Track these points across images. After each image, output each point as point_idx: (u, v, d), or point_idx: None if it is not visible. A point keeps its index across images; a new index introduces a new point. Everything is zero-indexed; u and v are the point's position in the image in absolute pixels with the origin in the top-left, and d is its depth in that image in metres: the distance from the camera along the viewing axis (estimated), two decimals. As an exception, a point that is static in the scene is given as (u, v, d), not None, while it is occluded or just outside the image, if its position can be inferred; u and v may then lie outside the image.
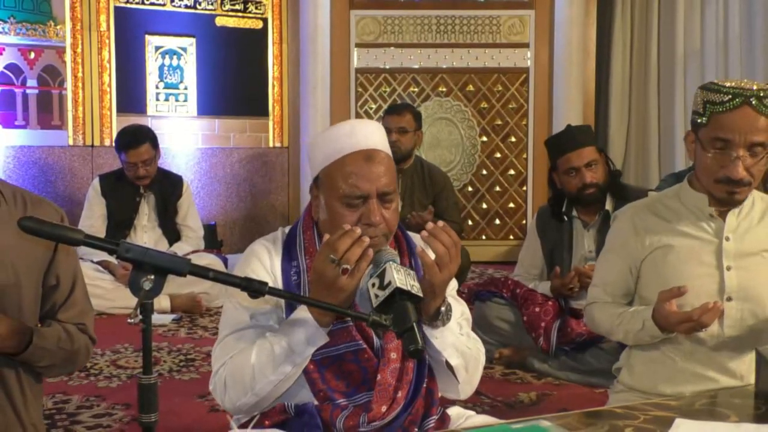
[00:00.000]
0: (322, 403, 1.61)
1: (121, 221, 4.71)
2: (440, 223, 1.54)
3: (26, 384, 1.71)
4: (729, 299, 1.95)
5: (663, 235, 2.02)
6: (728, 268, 1.96)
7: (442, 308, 1.57)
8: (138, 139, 4.57)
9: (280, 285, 1.65)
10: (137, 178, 4.64)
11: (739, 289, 1.95)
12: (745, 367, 1.94)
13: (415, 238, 1.72)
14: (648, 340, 2.00)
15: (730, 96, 1.85)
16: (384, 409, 1.58)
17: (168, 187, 4.84)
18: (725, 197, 1.94)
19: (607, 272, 2.14)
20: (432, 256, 1.52)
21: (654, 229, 2.03)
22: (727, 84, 1.89)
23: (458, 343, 1.63)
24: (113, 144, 4.86)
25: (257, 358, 1.56)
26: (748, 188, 1.93)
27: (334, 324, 1.57)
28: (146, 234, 4.77)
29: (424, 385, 1.65)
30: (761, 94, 1.84)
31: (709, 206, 1.98)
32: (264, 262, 1.68)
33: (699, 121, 1.92)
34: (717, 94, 1.87)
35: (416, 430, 1.64)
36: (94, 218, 4.72)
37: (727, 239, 1.97)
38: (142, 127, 4.80)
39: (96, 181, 4.81)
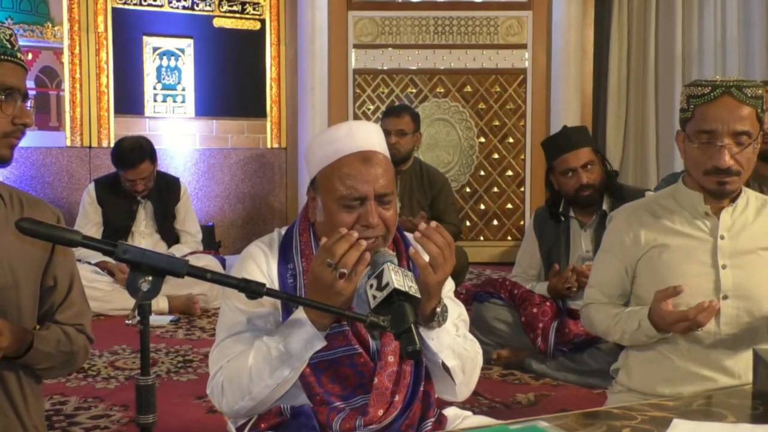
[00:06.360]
0: (319, 406, 1.60)
1: (118, 228, 4.64)
2: (433, 223, 1.53)
3: (26, 385, 1.71)
4: (725, 297, 1.95)
5: (658, 234, 2.03)
6: (724, 267, 1.97)
7: (438, 309, 1.56)
8: (136, 158, 4.48)
9: (276, 288, 1.64)
10: (135, 191, 4.60)
11: (735, 288, 1.96)
12: (743, 365, 1.94)
13: (412, 239, 1.72)
14: (644, 341, 2.00)
15: (710, 87, 1.91)
16: (381, 412, 1.58)
17: (165, 192, 4.79)
18: (716, 188, 1.95)
19: (603, 273, 2.14)
20: (426, 257, 1.52)
21: (649, 228, 2.04)
22: (708, 79, 1.95)
23: (455, 344, 1.63)
24: (110, 151, 4.71)
25: (254, 361, 1.55)
26: (737, 178, 1.93)
27: (331, 328, 1.57)
28: (144, 240, 4.71)
29: (421, 389, 1.65)
30: (741, 85, 1.90)
31: (705, 204, 1.99)
32: (260, 264, 1.67)
33: (684, 117, 1.97)
34: (698, 87, 1.94)
35: (412, 433, 1.64)
36: (88, 226, 4.62)
37: (722, 237, 1.98)
38: (140, 141, 4.60)
39: (91, 188, 4.73)
